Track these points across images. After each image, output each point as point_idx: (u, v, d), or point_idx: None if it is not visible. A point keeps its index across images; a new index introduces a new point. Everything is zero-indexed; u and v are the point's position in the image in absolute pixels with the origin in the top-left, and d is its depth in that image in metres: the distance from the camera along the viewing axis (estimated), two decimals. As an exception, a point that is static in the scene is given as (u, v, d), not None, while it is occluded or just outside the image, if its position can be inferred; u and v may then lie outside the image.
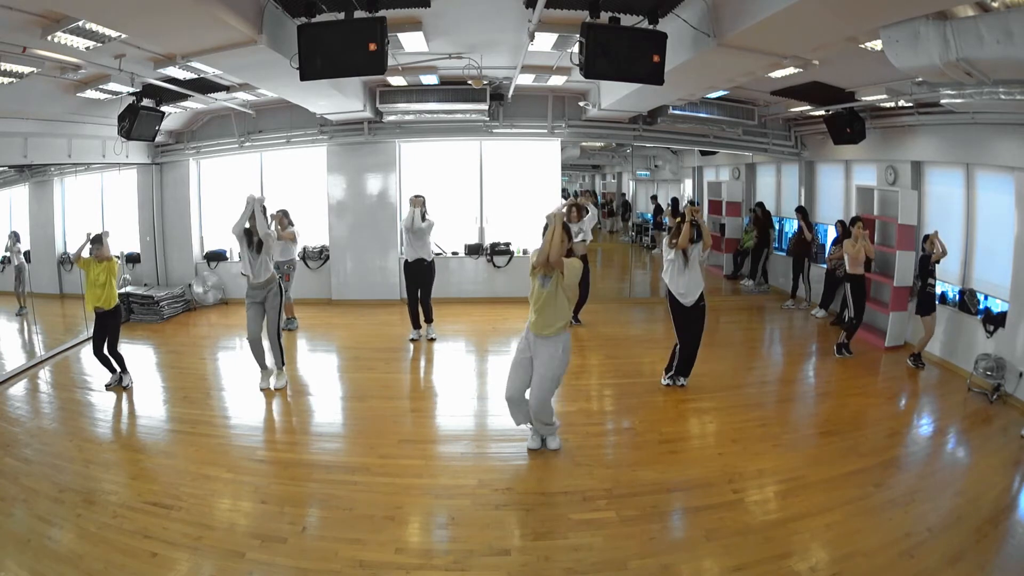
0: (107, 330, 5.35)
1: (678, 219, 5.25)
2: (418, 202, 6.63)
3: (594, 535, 3.22)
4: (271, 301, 5.28)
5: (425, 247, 6.71)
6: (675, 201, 11.48)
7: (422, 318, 6.86)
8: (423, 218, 6.62)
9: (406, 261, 6.78)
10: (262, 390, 5.31)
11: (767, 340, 7.56)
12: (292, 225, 7.34)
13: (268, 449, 4.32)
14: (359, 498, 3.61)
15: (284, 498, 3.63)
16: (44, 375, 5.96)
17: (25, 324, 7.10)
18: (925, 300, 5.90)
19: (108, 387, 5.40)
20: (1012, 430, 4.62)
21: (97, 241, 5.41)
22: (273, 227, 6.85)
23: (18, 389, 5.56)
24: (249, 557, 3.04)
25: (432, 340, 6.79)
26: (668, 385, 5.31)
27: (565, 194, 10.13)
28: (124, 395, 5.35)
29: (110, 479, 3.84)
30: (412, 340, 6.81)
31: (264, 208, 5.46)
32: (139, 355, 6.62)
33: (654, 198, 13.07)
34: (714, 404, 5.04)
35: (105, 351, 5.36)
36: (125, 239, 8.60)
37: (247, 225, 5.28)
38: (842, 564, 2.98)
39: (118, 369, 5.46)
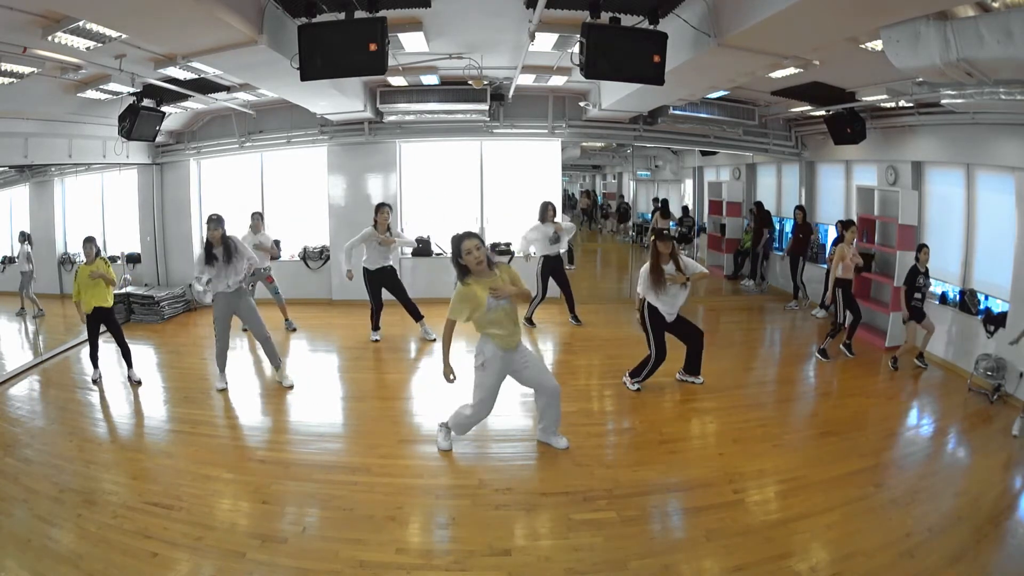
0: (112, 325, 5.56)
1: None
2: (385, 222, 6.54)
3: (595, 535, 3.22)
4: (247, 304, 5.32)
5: (392, 254, 6.73)
6: (664, 203, 11.44)
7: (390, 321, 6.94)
8: (388, 229, 6.60)
9: (367, 270, 6.64)
10: (290, 387, 5.40)
11: (767, 340, 7.56)
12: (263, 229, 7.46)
13: (268, 449, 4.32)
14: (359, 498, 3.61)
15: (284, 498, 3.63)
16: (44, 375, 5.96)
17: (25, 324, 7.11)
18: (915, 312, 5.84)
19: (95, 382, 5.52)
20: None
21: (90, 240, 5.52)
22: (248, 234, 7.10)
23: (18, 389, 5.56)
24: (249, 557, 3.04)
25: (433, 340, 6.80)
26: (681, 380, 5.40)
27: (566, 195, 10.12)
28: (124, 395, 5.36)
29: (110, 479, 3.84)
30: (375, 341, 6.83)
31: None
32: (140, 355, 6.61)
33: (655, 200, 13.04)
34: (714, 404, 5.04)
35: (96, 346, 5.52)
36: (126, 239, 8.62)
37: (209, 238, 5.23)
38: (842, 564, 2.98)
39: (137, 379, 5.60)
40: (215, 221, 5.23)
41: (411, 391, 5.59)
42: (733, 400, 5.12)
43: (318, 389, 5.59)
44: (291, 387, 5.40)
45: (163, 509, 3.45)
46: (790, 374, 6.16)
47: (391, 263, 6.74)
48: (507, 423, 4.72)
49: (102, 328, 5.57)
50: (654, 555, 3.08)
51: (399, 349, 6.74)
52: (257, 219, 7.36)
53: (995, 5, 3.35)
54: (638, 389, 5.25)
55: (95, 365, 5.61)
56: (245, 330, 6.75)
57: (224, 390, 5.35)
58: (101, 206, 8.36)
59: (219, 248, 5.18)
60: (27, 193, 7.34)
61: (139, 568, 2.95)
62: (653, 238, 5.01)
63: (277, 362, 5.47)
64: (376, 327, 6.90)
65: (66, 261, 7.83)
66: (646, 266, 5.01)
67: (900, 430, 4.77)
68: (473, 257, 3.63)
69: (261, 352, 5.60)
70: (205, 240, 5.25)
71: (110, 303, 5.53)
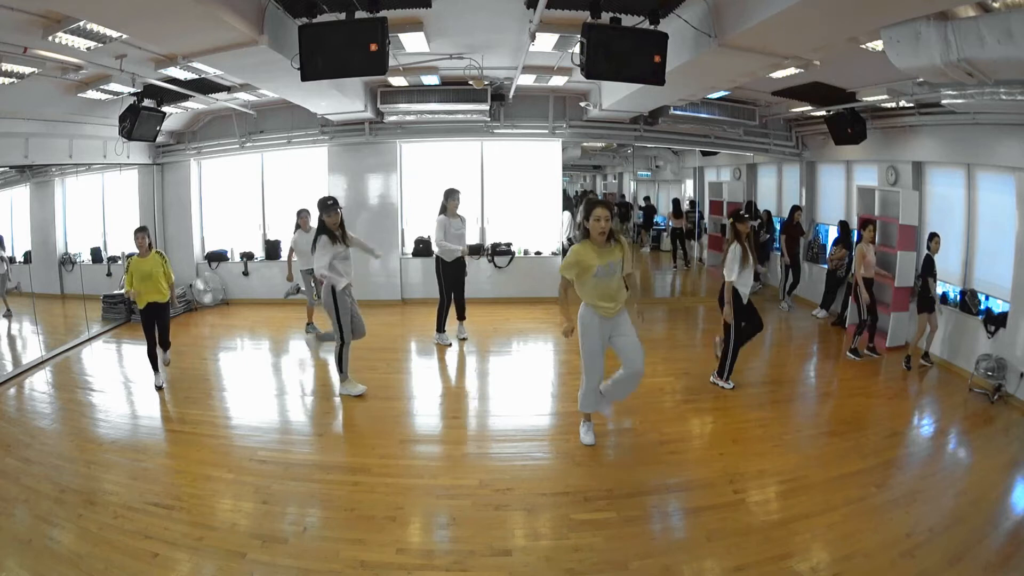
0: (162, 320, 5.43)
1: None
2: (456, 208, 6.49)
3: (595, 535, 3.23)
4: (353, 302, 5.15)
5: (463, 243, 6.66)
6: (676, 202, 11.48)
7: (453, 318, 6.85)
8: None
9: (443, 260, 6.56)
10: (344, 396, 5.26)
11: (767, 340, 7.55)
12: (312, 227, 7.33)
13: (269, 449, 4.31)
14: (360, 498, 3.61)
15: (285, 498, 3.63)
16: (45, 375, 5.96)
17: (24, 324, 7.11)
18: (926, 302, 5.89)
19: (160, 388, 5.38)
20: (1013, 431, 4.62)
21: (141, 231, 5.44)
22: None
23: (19, 389, 5.56)
24: (250, 557, 3.04)
25: (464, 339, 6.83)
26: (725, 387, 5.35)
27: (567, 195, 10.13)
28: (125, 396, 5.36)
29: (111, 479, 3.84)
30: (448, 344, 6.69)
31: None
32: (141, 356, 6.63)
33: (647, 199, 13.10)
34: (714, 404, 5.04)
35: (156, 348, 5.41)
36: (126, 239, 8.62)
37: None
38: (843, 564, 2.98)
39: (166, 360, 5.56)
40: (333, 206, 4.90)
41: (411, 391, 5.59)
42: (733, 400, 5.12)
43: (319, 389, 5.60)
44: (345, 396, 5.26)
45: (164, 509, 3.45)
46: (790, 374, 6.16)
47: (462, 254, 6.63)
48: (507, 423, 4.74)
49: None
50: (655, 555, 3.08)
51: (399, 349, 6.75)
52: (305, 216, 6.89)
53: (995, 5, 3.35)
54: (733, 387, 5.30)
55: (155, 368, 5.44)
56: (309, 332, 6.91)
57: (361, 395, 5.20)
58: (102, 206, 8.36)
59: (339, 232, 4.95)
60: (27, 193, 7.34)
61: (140, 568, 2.95)
62: (732, 220, 5.24)
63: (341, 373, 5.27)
64: (444, 327, 6.71)
65: (66, 261, 7.83)
66: (734, 247, 5.10)
67: (901, 430, 4.76)
68: (599, 225, 3.78)
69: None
70: (320, 223, 4.92)
71: (165, 297, 5.42)
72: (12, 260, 7.09)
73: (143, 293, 5.30)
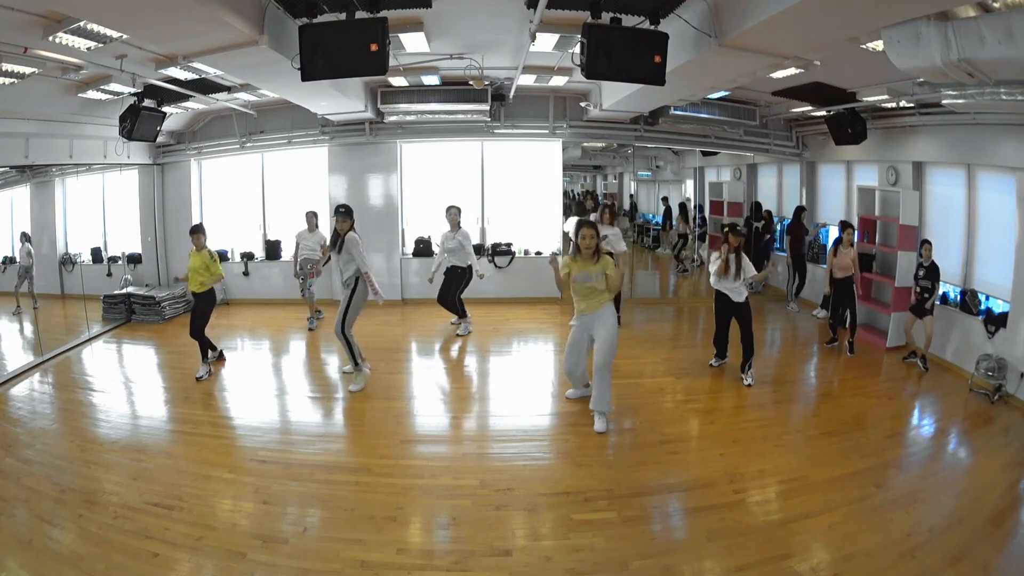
0: (194, 311, 5.76)
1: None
2: (455, 220, 6.88)
3: (595, 535, 3.23)
4: (349, 301, 5.36)
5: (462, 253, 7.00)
6: (682, 206, 11.48)
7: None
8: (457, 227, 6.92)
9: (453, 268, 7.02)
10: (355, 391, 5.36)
11: (768, 340, 7.55)
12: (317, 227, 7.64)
13: (269, 449, 4.32)
14: (360, 498, 3.61)
15: (285, 498, 3.63)
16: (45, 375, 5.96)
17: (22, 323, 7.12)
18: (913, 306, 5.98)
19: (198, 379, 5.61)
20: (1013, 431, 4.62)
21: (194, 231, 5.72)
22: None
23: (19, 389, 5.56)
24: (251, 557, 3.04)
25: (459, 336, 7.08)
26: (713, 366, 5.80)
27: (565, 197, 10.11)
28: (125, 396, 5.35)
29: (111, 479, 3.84)
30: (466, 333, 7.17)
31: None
32: (141, 355, 6.65)
33: (664, 199, 13.04)
34: (715, 404, 5.04)
35: (205, 333, 5.74)
36: (126, 239, 8.64)
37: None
38: (843, 564, 2.98)
39: (215, 350, 5.91)
40: (344, 213, 5.34)
41: (412, 391, 5.59)
42: (734, 400, 5.12)
43: (319, 389, 5.60)
44: (355, 391, 5.32)
45: (164, 509, 3.45)
46: (790, 374, 6.16)
47: (464, 264, 6.95)
48: (507, 423, 4.74)
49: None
50: (655, 555, 3.08)
51: (400, 349, 6.75)
52: (312, 218, 7.51)
53: (996, 5, 3.35)
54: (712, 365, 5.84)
55: (203, 356, 5.76)
56: (310, 329, 7.47)
57: (360, 390, 5.34)
58: (102, 206, 8.36)
59: (342, 240, 5.30)
60: (28, 193, 7.35)
61: (140, 568, 2.95)
62: (727, 230, 5.53)
63: (357, 361, 5.41)
64: (464, 314, 7.23)
65: (67, 261, 7.83)
66: (716, 255, 5.56)
67: (901, 430, 4.77)
68: (585, 242, 4.37)
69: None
70: (333, 230, 5.45)
71: (200, 289, 5.68)
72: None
73: (189, 283, 5.73)
